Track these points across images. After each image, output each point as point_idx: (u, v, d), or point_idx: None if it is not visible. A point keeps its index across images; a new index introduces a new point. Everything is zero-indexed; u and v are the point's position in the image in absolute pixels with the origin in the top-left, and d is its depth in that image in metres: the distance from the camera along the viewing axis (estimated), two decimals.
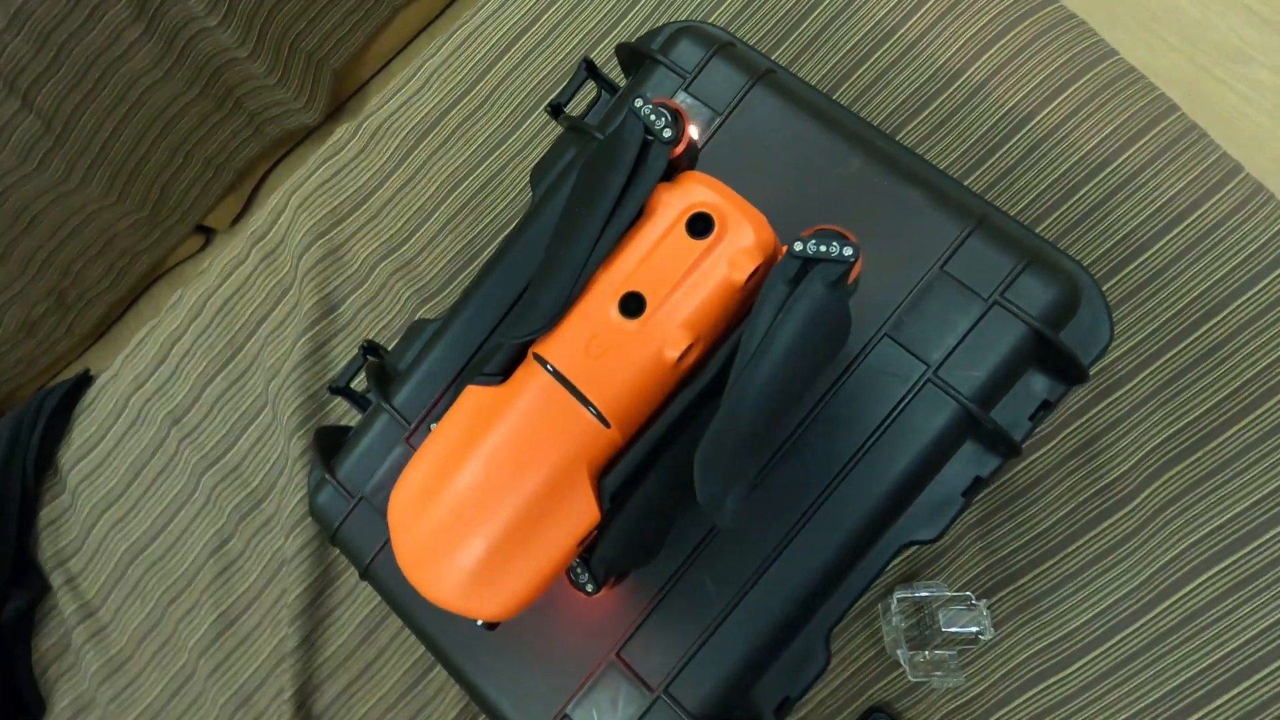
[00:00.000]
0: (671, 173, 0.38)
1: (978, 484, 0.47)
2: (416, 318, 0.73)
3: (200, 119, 1.22)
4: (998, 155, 0.63)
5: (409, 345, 0.57)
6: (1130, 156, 0.61)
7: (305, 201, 0.81)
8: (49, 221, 1.20)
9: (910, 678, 0.58)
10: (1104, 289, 0.60)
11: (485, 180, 0.76)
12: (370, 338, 0.77)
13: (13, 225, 1.17)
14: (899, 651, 0.59)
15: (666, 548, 0.47)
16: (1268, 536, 0.56)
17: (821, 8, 0.69)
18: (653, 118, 0.36)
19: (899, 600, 0.59)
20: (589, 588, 0.40)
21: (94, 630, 0.82)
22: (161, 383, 0.84)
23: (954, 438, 0.46)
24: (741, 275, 0.35)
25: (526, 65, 0.77)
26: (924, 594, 0.58)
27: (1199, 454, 0.58)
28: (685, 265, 0.35)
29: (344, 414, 0.77)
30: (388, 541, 0.52)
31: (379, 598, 0.72)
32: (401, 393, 0.54)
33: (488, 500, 0.37)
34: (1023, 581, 0.60)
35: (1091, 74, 0.63)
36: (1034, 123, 0.63)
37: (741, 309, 0.36)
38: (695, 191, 0.36)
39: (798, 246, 0.34)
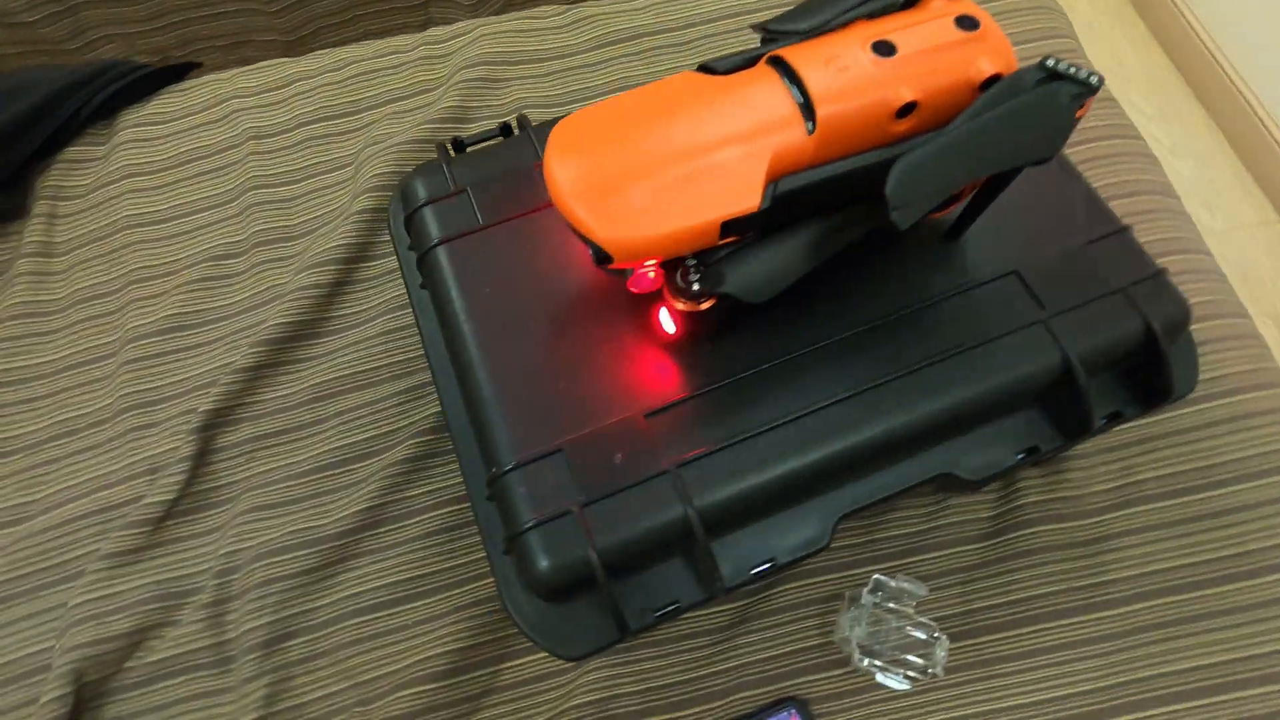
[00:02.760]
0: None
1: (1033, 452, 0.48)
2: None
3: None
4: None
5: None
6: None
7: (489, 34, 0.86)
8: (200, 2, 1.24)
9: (854, 658, 0.54)
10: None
11: None
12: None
13: None
14: (856, 630, 0.55)
15: (741, 350, 0.46)
16: (1234, 695, 0.55)
17: None
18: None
19: (876, 582, 0.57)
20: (695, 286, 0.39)
21: (39, 269, 0.76)
22: (265, 105, 0.83)
23: (1037, 388, 0.47)
24: (982, 73, 0.39)
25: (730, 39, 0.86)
26: (907, 585, 0.56)
27: (1194, 595, 0.58)
28: (942, 41, 0.39)
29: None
30: (465, 234, 0.50)
31: (345, 362, 0.68)
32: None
33: (666, 143, 0.38)
34: (987, 639, 0.58)
35: None
36: None
37: (960, 110, 0.39)
38: (968, 6, 0.40)
39: (1049, 62, 0.38)
